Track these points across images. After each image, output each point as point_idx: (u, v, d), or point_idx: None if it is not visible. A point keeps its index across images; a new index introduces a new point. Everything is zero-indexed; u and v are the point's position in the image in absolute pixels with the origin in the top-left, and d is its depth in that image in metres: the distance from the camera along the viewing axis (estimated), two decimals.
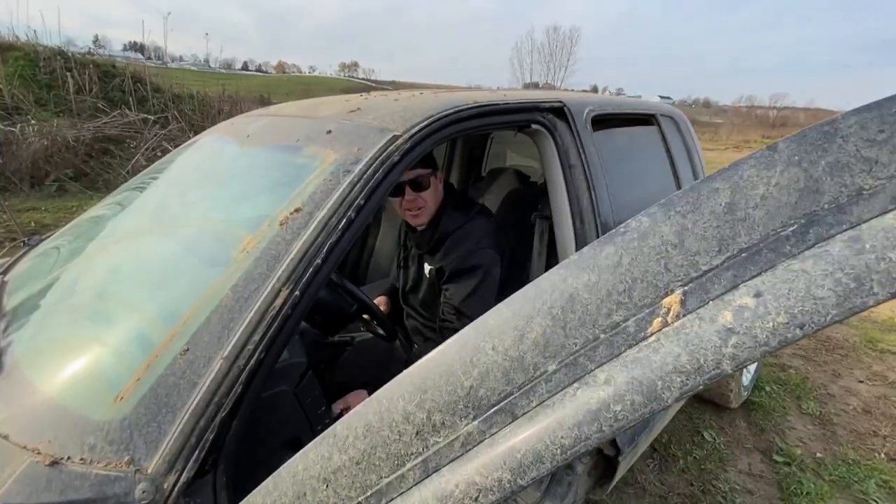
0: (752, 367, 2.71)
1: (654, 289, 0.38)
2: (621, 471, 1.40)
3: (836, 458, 2.28)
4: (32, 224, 5.17)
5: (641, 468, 2.17)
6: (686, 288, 0.37)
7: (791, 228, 0.35)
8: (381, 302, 1.80)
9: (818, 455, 2.30)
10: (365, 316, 1.38)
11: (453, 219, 1.49)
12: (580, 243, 1.58)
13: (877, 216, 0.33)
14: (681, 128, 2.48)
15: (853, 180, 0.34)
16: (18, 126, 6.80)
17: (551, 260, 1.59)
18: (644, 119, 2.24)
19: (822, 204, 0.35)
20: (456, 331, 1.59)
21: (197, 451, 0.73)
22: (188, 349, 0.80)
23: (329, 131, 1.15)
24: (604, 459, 1.36)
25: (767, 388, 2.81)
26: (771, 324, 0.33)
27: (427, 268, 1.54)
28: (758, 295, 0.34)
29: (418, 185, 1.43)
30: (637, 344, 0.38)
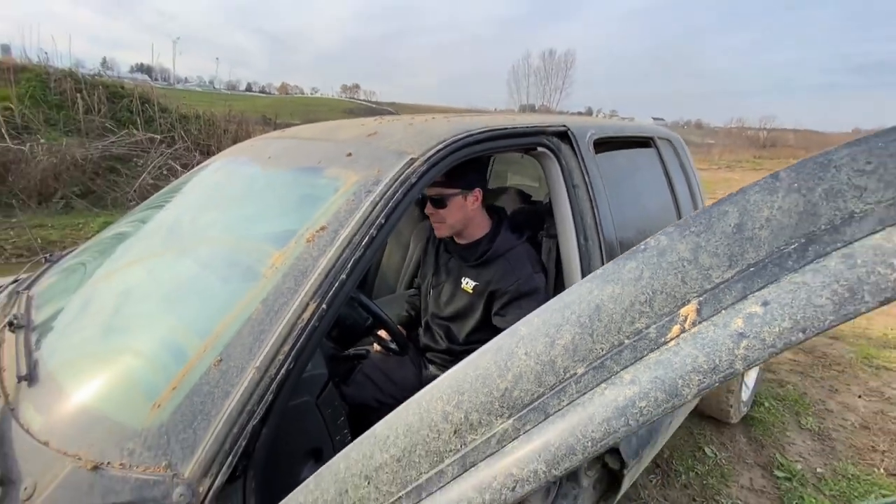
0: (751, 383, 2.73)
1: (673, 299, 0.43)
2: (626, 484, 1.42)
3: (836, 474, 2.29)
4: (38, 241, 5.20)
5: (644, 483, 2.18)
6: (701, 298, 0.43)
7: (793, 246, 0.40)
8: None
9: (818, 470, 2.31)
10: (379, 333, 1.41)
11: (508, 239, 1.58)
12: (584, 260, 1.64)
13: (867, 235, 0.39)
14: (677, 150, 2.56)
15: (846, 205, 0.40)
16: (28, 145, 6.91)
17: (559, 277, 1.64)
18: (643, 142, 2.31)
19: (820, 225, 0.40)
20: None
21: (230, 457, 0.77)
22: (221, 359, 0.84)
23: (349, 154, 1.21)
24: (608, 473, 1.38)
25: (766, 404, 2.83)
26: (777, 328, 0.38)
27: (470, 283, 1.57)
28: (765, 304, 0.39)
29: (435, 202, 1.52)
30: (658, 348, 0.43)
